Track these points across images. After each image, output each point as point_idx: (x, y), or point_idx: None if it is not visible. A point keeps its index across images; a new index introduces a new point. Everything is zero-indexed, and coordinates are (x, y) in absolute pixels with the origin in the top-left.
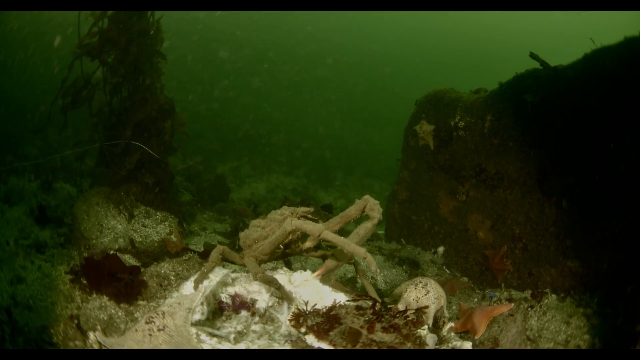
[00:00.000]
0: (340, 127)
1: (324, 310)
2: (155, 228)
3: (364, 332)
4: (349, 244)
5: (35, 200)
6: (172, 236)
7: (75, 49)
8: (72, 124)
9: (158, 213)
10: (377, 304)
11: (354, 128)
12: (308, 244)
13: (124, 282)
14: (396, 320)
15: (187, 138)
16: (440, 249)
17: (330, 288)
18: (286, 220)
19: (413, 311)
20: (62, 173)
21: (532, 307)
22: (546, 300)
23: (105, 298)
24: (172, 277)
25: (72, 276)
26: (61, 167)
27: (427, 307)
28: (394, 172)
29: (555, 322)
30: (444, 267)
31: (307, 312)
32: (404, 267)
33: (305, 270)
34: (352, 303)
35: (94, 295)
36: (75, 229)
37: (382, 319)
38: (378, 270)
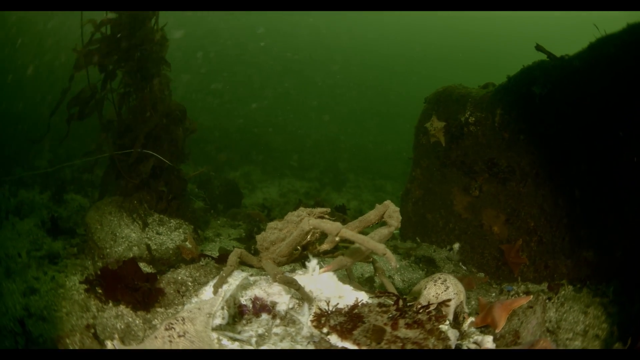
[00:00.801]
0: (350, 128)
1: (346, 309)
2: (170, 235)
3: (388, 329)
4: (368, 241)
5: (46, 212)
6: (187, 243)
7: (79, 59)
8: (79, 134)
9: (172, 220)
10: (400, 300)
11: (364, 129)
12: (326, 245)
13: (142, 291)
14: (419, 316)
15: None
16: (456, 246)
17: (352, 287)
18: (303, 220)
19: (435, 306)
20: (72, 185)
21: (549, 299)
22: (563, 292)
23: (122, 307)
24: (190, 283)
25: (87, 285)
26: (71, 179)
27: (449, 300)
28: (405, 171)
29: (573, 313)
30: (460, 263)
31: (329, 312)
32: (421, 265)
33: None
34: (374, 301)
35: (110, 304)
36: (88, 238)
37: (406, 315)
38: (397, 265)
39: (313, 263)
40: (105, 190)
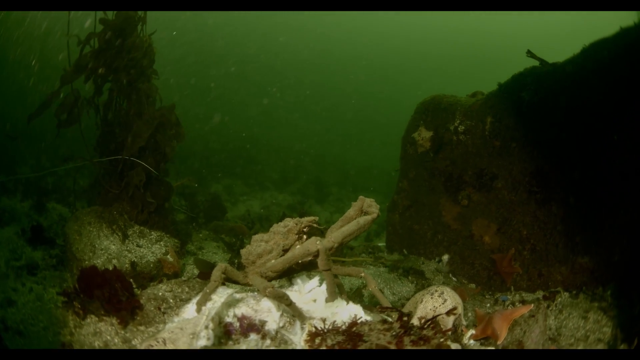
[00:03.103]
0: (332, 141)
1: (344, 327)
2: (151, 248)
3: (392, 347)
4: (355, 271)
5: (26, 221)
6: (169, 256)
7: (67, 72)
8: (66, 140)
9: (153, 233)
10: (405, 316)
11: (346, 142)
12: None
13: (123, 307)
14: (425, 332)
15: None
16: (445, 257)
17: (346, 301)
18: (310, 241)
19: (442, 318)
20: (54, 194)
21: (548, 306)
22: (559, 299)
23: (100, 324)
24: (171, 300)
25: (65, 298)
26: (53, 188)
27: (455, 308)
28: (389, 184)
29: (573, 319)
30: (450, 275)
31: (325, 331)
32: (410, 277)
33: (310, 278)
34: (373, 316)
35: (88, 320)
36: (67, 250)
37: (411, 332)
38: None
39: (311, 283)
40: (93, 200)
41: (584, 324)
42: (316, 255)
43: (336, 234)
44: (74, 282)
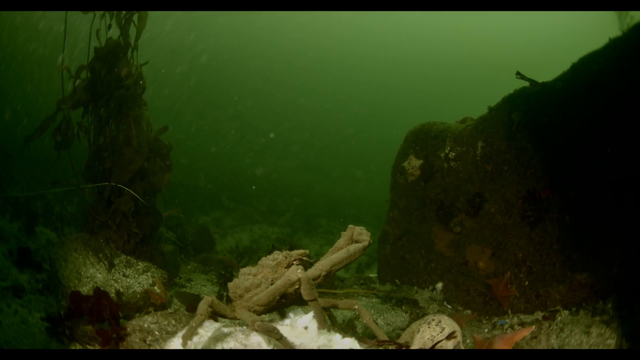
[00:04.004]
0: (320, 173)
1: None
2: (137, 279)
3: None
4: (344, 303)
5: (14, 242)
6: (156, 287)
7: (61, 105)
8: (62, 163)
9: (140, 263)
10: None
11: (334, 173)
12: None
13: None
14: None
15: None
16: (439, 285)
17: (341, 335)
18: (291, 270)
19: (441, 345)
20: (43, 218)
21: (549, 326)
22: (559, 317)
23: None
24: (157, 332)
25: (49, 324)
26: (43, 212)
27: (454, 332)
28: (378, 215)
29: (575, 336)
30: (445, 302)
31: None
32: (403, 307)
33: (305, 313)
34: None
35: (72, 347)
36: (52, 275)
37: None
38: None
39: (305, 318)
40: (81, 226)
41: (587, 339)
42: (300, 285)
43: (324, 262)
44: (58, 309)
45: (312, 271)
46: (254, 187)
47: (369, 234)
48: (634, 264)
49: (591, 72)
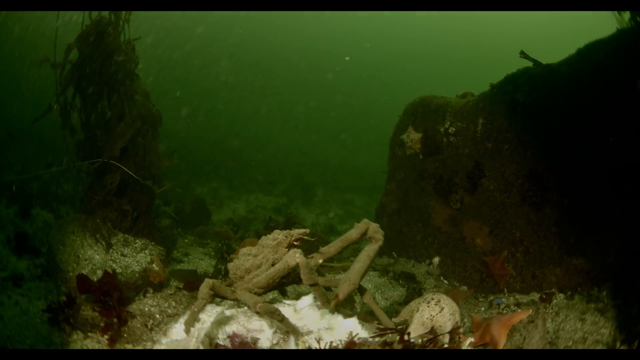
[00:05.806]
0: (318, 141)
1: (341, 346)
2: (135, 257)
3: None
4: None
5: (12, 228)
6: (154, 265)
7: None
8: (54, 146)
9: (137, 240)
10: (405, 334)
11: (331, 142)
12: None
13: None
14: (430, 348)
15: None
16: (436, 260)
17: (342, 316)
18: (289, 254)
19: (439, 326)
20: (38, 199)
21: (545, 309)
22: (555, 301)
23: (87, 340)
24: (158, 316)
25: (50, 314)
26: (38, 193)
27: (458, 328)
28: (375, 185)
29: (570, 322)
30: (441, 277)
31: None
32: (401, 281)
33: (306, 294)
34: (372, 330)
35: (74, 336)
36: (50, 260)
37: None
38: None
39: (306, 300)
40: (77, 206)
41: (582, 325)
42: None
43: (354, 276)
44: (58, 295)
45: (317, 258)
46: (253, 163)
47: (383, 232)
48: (630, 254)
49: (597, 59)
